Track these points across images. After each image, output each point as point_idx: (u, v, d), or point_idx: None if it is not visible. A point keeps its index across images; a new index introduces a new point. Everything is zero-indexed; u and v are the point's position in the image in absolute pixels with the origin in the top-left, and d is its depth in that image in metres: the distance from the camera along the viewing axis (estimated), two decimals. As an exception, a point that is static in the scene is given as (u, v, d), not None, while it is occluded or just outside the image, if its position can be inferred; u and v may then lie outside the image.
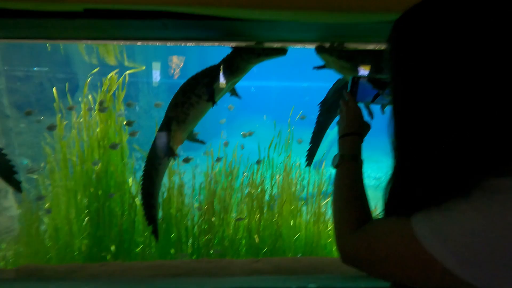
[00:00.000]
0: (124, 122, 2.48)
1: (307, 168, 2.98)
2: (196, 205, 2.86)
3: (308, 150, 2.00)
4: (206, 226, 2.71)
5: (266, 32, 1.17)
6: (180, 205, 2.70)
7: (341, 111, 0.92)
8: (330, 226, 2.80)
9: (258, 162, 2.88)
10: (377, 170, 7.26)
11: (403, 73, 0.56)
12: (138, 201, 2.69)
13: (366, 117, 0.93)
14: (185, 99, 1.73)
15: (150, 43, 1.23)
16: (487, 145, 0.47)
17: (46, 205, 2.65)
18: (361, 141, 0.86)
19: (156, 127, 2.00)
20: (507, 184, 0.44)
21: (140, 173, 2.36)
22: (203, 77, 1.70)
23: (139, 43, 1.22)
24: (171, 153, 1.87)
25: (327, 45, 1.30)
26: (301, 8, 0.80)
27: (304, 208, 2.87)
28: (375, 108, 1.24)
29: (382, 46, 1.27)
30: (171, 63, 9.23)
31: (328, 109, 1.90)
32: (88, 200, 2.59)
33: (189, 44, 1.23)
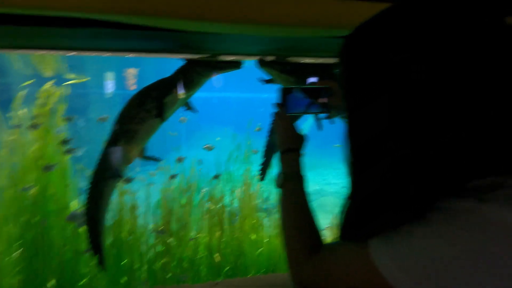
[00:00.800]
0: (61, 140, 2.23)
1: (268, 180, 2.95)
2: (151, 226, 2.66)
3: (261, 164, 1.96)
4: (163, 248, 2.52)
5: (215, 44, 1.12)
6: (132, 227, 2.49)
7: (274, 126, 0.88)
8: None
9: (215, 177, 2.79)
10: (336, 176, 7.55)
11: (353, 90, 0.54)
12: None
13: (303, 128, 0.90)
14: (134, 114, 1.59)
15: (86, 53, 1.11)
16: (442, 166, 0.45)
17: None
18: (300, 155, 0.82)
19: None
20: (465, 206, 0.42)
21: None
22: (153, 91, 1.58)
23: (73, 53, 1.09)
24: (117, 173, 1.69)
25: (269, 58, 1.28)
26: (246, 22, 0.77)
27: (266, 221, 2.82)
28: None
29: (330, 60, 1.29)
30: (126, 73, 8.80)
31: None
32: (22, 228, 2.26)
33: (131, 55, 1.13)
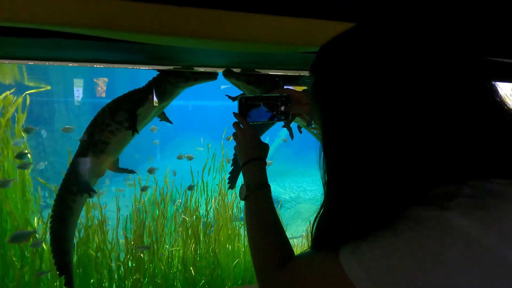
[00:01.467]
0: (15, 154, 2.08)
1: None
2: (121, 240, 2.54)
3: (229, 173, 1.95)
4: (134, 263, 2.41)
5: (188, 57, 1.11)
6: (101, 243, 2.36)
7: (235, 136, 0.86)
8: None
9: (190, 187, 2.73)
10: (312, 183, 7.67)
11: (331, 99, 0.54)
12: (45, 245, 2.26)
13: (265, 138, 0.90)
14: (104, 126, 1.52)
15: (49, 63, 1.05)
16: (407, 174, 0.46)
17: None
18: (264, 164, 0.80)
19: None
20: (429, 214, 0.43)
21: (48, 212, 1.99)
22: (125, 102, 1.52)
23: (30, 63, 1.03)
24: (87, 188, 1.59)
25: (235, 70, 1.28)
26: (217, 38, 0.77)
27: (242, 231, 2.79)
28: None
29: (301, 72, 1.33)
30: (96, 80, 8.47)
31: None
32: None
33: (101, 66, 1.08)
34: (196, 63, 1.23)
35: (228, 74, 1.31)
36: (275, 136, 11.33)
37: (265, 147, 0.85)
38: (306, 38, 0.78)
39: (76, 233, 2.31)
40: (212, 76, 1.38)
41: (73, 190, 1.61)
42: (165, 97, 1.52)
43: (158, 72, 1.46)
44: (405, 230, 0.44)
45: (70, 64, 1.01)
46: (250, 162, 0.79)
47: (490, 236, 0.39)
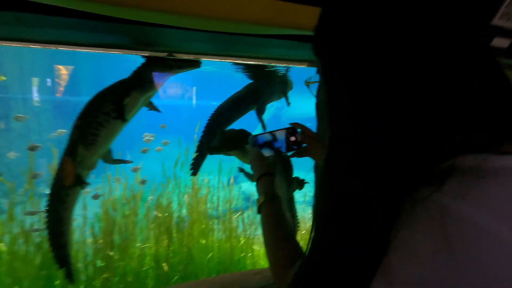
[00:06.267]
0: None
1: (216, 184, 2.95)
2: (89, 240, 2.44)
3: (193, 159, 1.97)
4: (103, 263, 2.33)
5: (171, 41, 1.09)
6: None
7: (250, 161, 0.98)
8: (243, 240, 2.81)
9: (142, 182, 2.73)
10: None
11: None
12: (3, 246, 2.12)
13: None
14: (92, 118, 1.50)
15: (12, 44, 0.98)
16: (404, 153, 0.45)
17: None
18: (272, 178, 0.90)
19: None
20: (422, 202, 0.41)
21: (5, 214, 1.87)
22: (111, 93, 1.51)
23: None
24: (79, 181, 1.56)
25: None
26: (203, 16, 0.77)
27: (215, 226, 2.80)
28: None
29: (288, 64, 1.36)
30: (58, 77, 7.97)
31: (217, 117, 1.94)
32: None
33: (70, 48, 1.02)
34: (179, 49, 1.22)
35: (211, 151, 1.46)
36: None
37: (272, 163, 0.96)
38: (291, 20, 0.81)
39: (40, 234, 2.19)
40: (195, 64, 1.39)
41: (66, 185, 1.58)
42: (150, 86, 1.52)
43: (143, 61, 1.46)
44: (405, 225, 0.41)
45: (32, 46, 0.96)
46: (263, 176, 0.90)
47: (488, 217, 0.37)
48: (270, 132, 1.04)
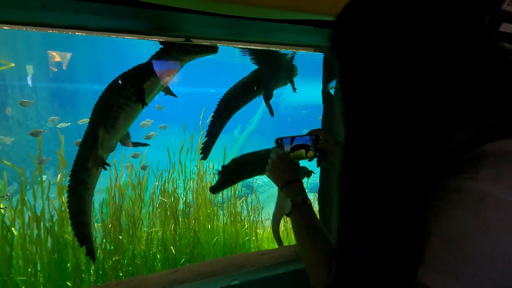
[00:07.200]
0: None
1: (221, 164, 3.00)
2: (98, 224, 2.50)
3: (203, 144, 2.00)
4: (113, 246, 2.39)
5: (188, 27, 1.10)
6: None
7: (273, 163, 1.00)
8: (247, 224, 2.88)
9: (143, 167, 2.77)
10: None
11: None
12: (15, 231, 2.16)
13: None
14: (113, 102, 1.54)
15: (32, 29, 0.99)
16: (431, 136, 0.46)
17: None
18: (302, 183, 0.94)
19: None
20: (460, 188, 0.43)
21: (17, 197, 1.90)
22: (131, 77, 1.53)
23: (5, 27, 0.95)
24: (100, 162, 1.60)
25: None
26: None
27: (220, 211, 2.87)
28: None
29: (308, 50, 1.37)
30: (53, 64, 7.84)
31: (227, 102, 1.96)
32: None
33: (91, 34, 1.03)
34: (196, 34, 1.22)
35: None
36: (247, 124, 11.38)
37: (298, 167, 1.02)
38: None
39: (50, 218, 2.24)
40: (213, 49, 1.41)
41: (87, 166, 1.62)
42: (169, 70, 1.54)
43: (160, 47, 1.48)
44: (443, 210, 0.43)
45: (55, 31, 0.97)
46: (292, 182, 0.93)
47: None
48: (295, 137, 1.08)
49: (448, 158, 0.46)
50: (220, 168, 1.75)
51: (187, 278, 1.55)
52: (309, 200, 0.90)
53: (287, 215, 0.90)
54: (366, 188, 0.49)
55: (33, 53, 7.13)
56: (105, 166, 1.61)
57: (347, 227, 0.53)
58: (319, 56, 1.54)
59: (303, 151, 1.08)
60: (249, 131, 11.11)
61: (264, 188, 7.02)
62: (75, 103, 8.71)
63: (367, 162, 0.50)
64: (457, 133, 0.47)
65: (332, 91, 1.51)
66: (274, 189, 6.68)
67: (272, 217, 1.88)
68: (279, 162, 0.98)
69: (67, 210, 1.71)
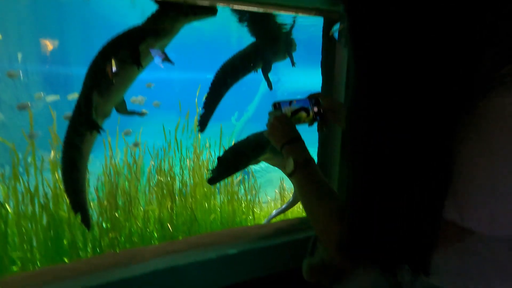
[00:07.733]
0: None
1: (217, 148, 2.97)
2: (93, 202, 2.48)
3: (201, 116, 1.97)
4: (109, 223, 2.38)
5: None
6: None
7: (270, 125, 0.96)
8: (244, 203, 2.88)
9: (135, 144, 2.74)
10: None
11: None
12: (9, 209, 2.14)
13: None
14: (106, 64, 1.47)
15: None
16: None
17: None
18: (303, 142, 0.90)
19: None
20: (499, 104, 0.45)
21: (8, 177, 1.86)
22: (126, 39, 1.46)
23: None
24: (95, 126, 1.54)
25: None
26: None
27: (217, 189, 2.86)
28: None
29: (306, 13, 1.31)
30: (45, 47, 7.64)
31: (223, 76, 1.92)
32: None
33: None
34: None
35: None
36: (244, 111, 11.31)
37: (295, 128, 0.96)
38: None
39: (44, 195, 2.21)
40: (211, 11, 1.34)
41: (81, 131, 1.57)
42: (164, 33, 1.48)
43: (157, 7, 1.41)
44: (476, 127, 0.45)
45: None
46: (293, 141, 0.88)
47: None
48: (293, 101, 1.03)
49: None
50: (216, 160, 1.72)
51: (185, 249, 1.55)
52: (313, 159, 0.86)
53: (289, 176, 0.86)
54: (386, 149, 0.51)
55: (27, 35, 6.94)
56: (99, 130, 1.57)
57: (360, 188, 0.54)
58: (318, 41, 1.49)
59: (303, 113, 1.03)
60: (246, 117, 11.05)
61: (261, 173, 7.06)
62: (69, 87, 8.56)
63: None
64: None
65: (335, 34, 1.46)
66: (270, 174, 6.69)
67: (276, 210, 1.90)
68: (277, 123, 0.94)
69: (61, 178, 1.68)
